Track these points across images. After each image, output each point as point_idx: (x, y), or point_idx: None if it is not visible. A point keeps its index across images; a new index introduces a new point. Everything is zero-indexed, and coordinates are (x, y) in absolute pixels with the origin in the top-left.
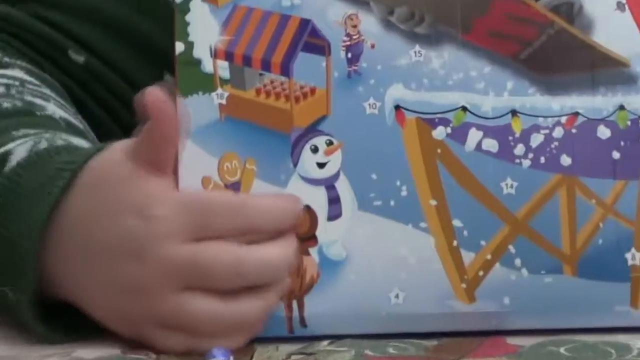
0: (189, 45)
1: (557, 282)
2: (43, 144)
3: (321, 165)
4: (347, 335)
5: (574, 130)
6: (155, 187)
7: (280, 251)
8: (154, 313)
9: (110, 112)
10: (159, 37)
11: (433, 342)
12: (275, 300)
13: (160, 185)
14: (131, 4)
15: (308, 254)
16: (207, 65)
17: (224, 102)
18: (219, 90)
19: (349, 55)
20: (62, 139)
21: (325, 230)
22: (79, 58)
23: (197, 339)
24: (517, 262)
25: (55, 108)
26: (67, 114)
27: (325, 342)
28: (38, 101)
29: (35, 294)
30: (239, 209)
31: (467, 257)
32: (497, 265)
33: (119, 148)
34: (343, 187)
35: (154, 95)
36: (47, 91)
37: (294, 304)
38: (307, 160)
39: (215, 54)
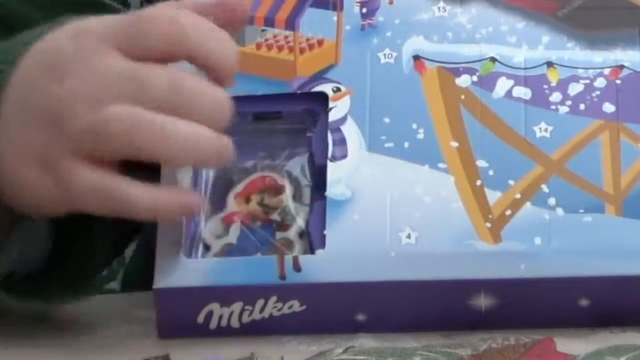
0: None
1: (598, 221)
2: None
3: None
4: (347, 284)
5: (618, 82)
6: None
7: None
8: (71, 136)
9: None
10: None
11: (467, 351)
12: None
13: None
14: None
15: None
16: None
17: None
18: None
19: (364, 10)
20: None
21: (329, 171)
22: None
23: (114, 178)
24: (551, 201)
25: None
26: None
27: (339, 350)
28: None
29: None
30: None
31: (493, 196)
32: (528, 204)
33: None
34: (350, 129)
35: None
36: None
37: None
38: None
39: None
